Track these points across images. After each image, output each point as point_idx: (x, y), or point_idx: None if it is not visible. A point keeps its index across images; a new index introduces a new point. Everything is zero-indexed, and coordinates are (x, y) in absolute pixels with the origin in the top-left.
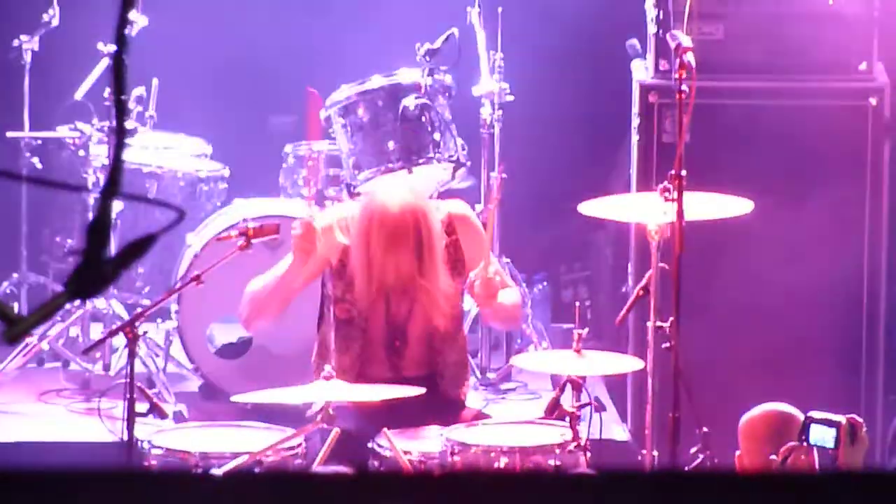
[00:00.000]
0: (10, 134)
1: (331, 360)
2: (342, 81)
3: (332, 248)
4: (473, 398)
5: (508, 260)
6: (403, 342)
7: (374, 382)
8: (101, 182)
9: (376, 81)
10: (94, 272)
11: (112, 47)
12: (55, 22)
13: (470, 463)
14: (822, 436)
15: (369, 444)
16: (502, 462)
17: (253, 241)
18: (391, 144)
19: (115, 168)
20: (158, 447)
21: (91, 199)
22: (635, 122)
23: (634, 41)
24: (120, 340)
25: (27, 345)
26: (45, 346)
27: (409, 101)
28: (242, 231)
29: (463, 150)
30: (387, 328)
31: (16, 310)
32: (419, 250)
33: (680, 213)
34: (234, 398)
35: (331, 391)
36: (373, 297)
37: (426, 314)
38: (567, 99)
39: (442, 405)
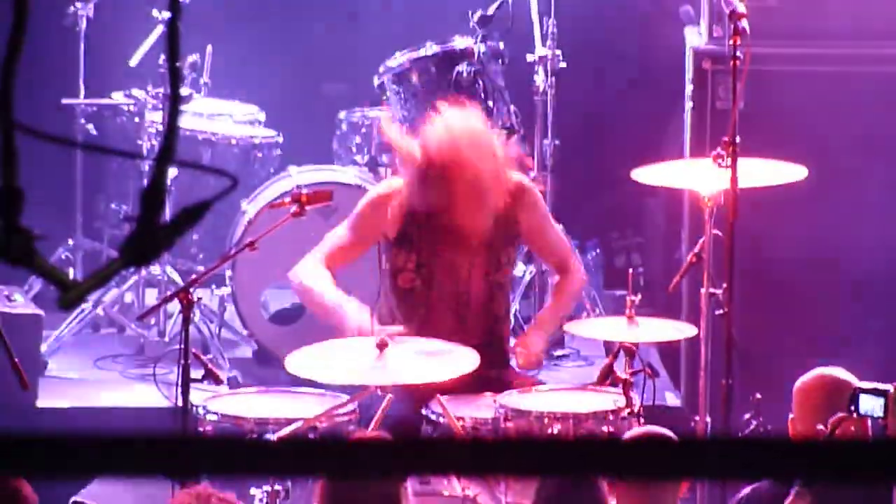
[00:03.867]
0: (65, 101)
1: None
2: (395, 48)
3: (389, 221)
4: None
5: (561, 227)
6: (468, 308)
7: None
8: (156, 148)
9: (430, 48)
10: (148, 239)
11: (166, 14)
12: None
13: (523, 429)
14: (871, 405)
15: (422, 411)
16: (555, 429)
17: (306, 207)
18: None
19: (170, 135)
20: (213, 413)
21: (146, 165)
22: (689, 88)
23: (688, 7)
24: (175, 306)
25: (82, 311)
26: (100, 312)
27: (462, 68)
28: (296, 198)
29: (516, 117)
30: (453, 293)
31: (71, 276)
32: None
33: (734, 180)
34: (288, 366)
35: (383, 374)
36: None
37: (487, 275)
38: (621, 65)
39: (495, 372)
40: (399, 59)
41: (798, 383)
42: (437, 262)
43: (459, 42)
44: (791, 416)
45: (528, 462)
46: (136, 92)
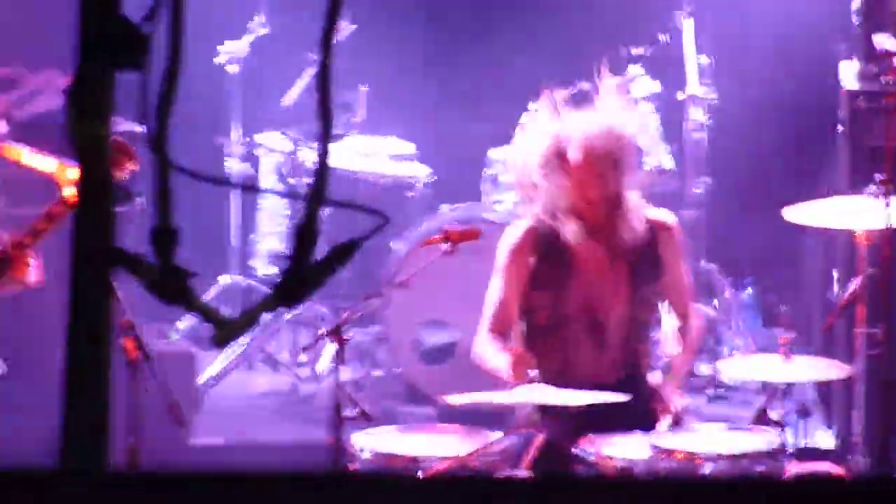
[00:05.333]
0: (219, 140)
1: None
2: (545, 84)
3: (528, 261)
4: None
5: (714, 265)
6: (604, 345)
7: (577, 387)
8: (308, 187)
9: (582, 86)
10: (300, 277)
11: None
12: (264, 29)
13: (675, 469)
14: None
15: (573, 450)
16: (708, 469)
17: (457, 245)
18: None
19: (322, 173)
20: (365, 449)
21: (298, 204)
22: (843, 126)
23: (841, 45)
24: (327, 345)
25: (236, 348)
26: (253, 349)
27: None
28: (446, 236)
29: (669, 154)
30: (589, 328)
31: (224, 314)
32: (620, 166)
33: (890, 217)
34: (445, 397)
35: (538, 395)
36: (581, 232)
37: (626, 307)
38: (775, 102)
39: (643, 409)
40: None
41: None
42: (572, 299)
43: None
44: None
45: (681, 503)
46: (289, 131)
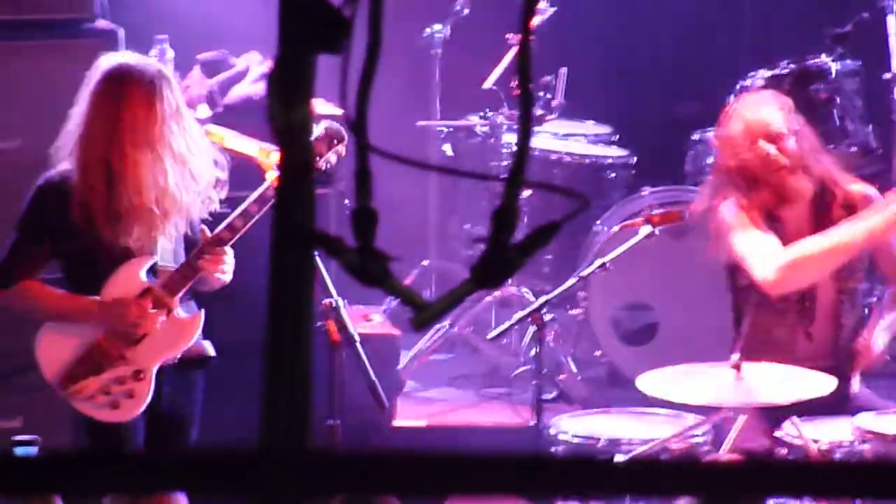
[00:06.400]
0: (421, 122)
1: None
2: (749, 67)
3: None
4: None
5: None
6: (812, 317)
7: (783, 362)
8: (508, 169)
9: (785, 67)
10: (499, 259)
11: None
12: (466, 10)
13: (879, 452)
14: None
15: (776, 432)
16: None
17: (658, 228)
18: None
19: (521, 155)
20: (566, 432)
21: (498, 186)
22: None
23: None
24: (528, 327)
25: (438, 330)
26: (455, 331)
27: (818, 87)
28: (647, 218)
29: (873, 136)
30: (798, 300)
31: (425, 296)
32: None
33: None
34: (639, 385)
35: (735, 394)
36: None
37: (837, 279)
38: None
39: (847, 391)
40: (754, 78)
41: None
42: None
43: (815, 60)
44: None
45: (885, 487)
46: (490, 113)
